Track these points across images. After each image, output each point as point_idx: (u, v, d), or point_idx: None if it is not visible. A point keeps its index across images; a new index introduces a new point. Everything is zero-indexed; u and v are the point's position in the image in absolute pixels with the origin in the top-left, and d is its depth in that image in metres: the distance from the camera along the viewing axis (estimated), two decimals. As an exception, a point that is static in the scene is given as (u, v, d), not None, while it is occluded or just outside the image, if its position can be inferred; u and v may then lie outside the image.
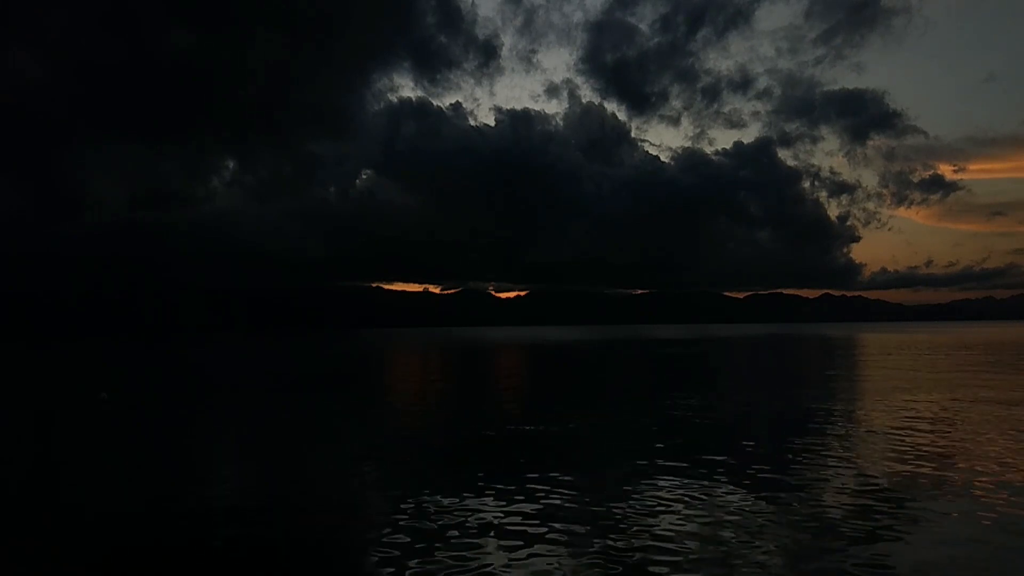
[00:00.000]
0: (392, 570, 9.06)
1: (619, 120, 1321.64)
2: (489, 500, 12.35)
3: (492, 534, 10.43)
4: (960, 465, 14.54)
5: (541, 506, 11.90)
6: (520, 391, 33.92)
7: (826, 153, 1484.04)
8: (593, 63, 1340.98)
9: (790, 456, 15.80)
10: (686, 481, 13.54)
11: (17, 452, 18.56)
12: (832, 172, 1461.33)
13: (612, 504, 11.97)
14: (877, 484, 13.03)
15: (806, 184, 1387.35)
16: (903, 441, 17.34)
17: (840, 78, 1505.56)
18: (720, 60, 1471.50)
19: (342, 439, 19.87)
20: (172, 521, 11.51)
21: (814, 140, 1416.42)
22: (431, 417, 24.27)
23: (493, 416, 23.93)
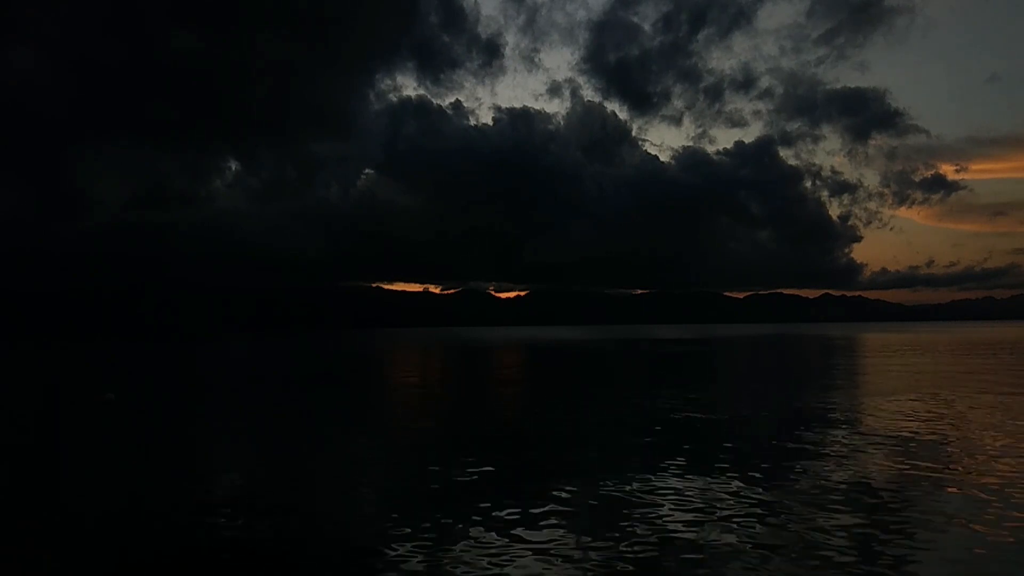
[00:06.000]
0: (394, 570, 9.15)
1: (620, 120, 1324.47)
2: (490, 499, 12.42)
3: (493, 533, 10.51)
4: (962, 465, 14.61)
5: (541, 505, 11.98)
6: (521, 390, 34.00)
7: (827, 152, 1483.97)
8: (595, 62, 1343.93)
9: (791, 455, 15.87)
10: (687, 480, 13.62)
11: (20, 453, 18.64)
12: (833, 171, 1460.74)
13: (613, 503, 12.06)
14: (878, 483, 13.11)
15: (807, 184, 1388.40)
16: (904, 440, 17.41)
17: (842, 77, 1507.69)
18: (722, 59, 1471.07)
19: (343, 439, 19.97)
20: (174, 522, 11.59)
21: (815, 139, 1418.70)
22: (431, 416, 24.35)
23: (494, 415, 24.01)
